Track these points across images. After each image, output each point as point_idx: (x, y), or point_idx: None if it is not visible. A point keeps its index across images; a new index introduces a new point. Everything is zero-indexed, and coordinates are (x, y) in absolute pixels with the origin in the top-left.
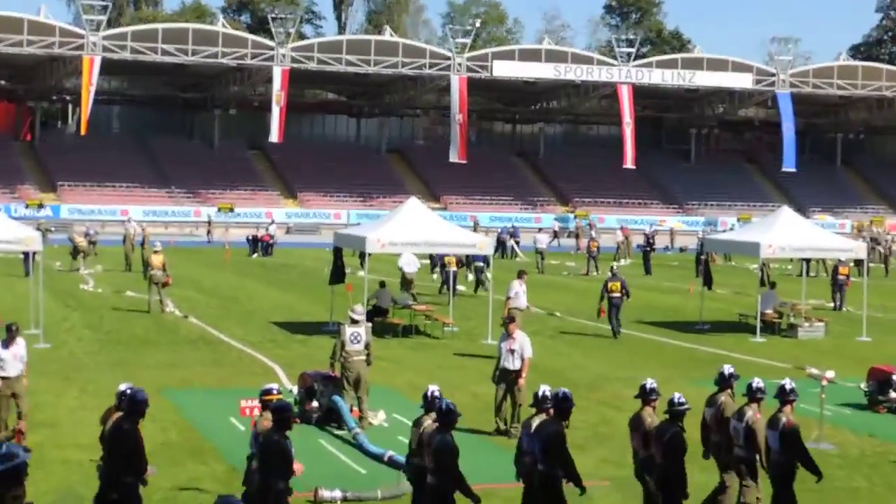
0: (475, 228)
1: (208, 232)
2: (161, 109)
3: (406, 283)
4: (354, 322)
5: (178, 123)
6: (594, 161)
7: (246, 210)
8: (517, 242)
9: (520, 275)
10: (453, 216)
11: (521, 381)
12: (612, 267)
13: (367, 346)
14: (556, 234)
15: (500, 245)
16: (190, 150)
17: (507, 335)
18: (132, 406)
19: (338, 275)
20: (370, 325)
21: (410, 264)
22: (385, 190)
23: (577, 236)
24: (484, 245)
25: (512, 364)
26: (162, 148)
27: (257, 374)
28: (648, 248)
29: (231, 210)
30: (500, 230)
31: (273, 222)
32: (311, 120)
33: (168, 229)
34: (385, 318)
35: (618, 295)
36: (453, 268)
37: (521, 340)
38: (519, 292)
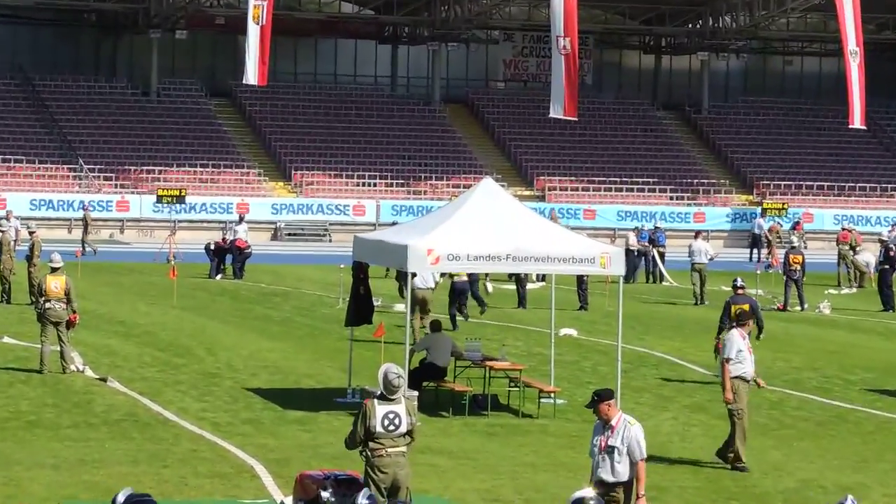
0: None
1: (172, 237)
2: (58, 33)
3: (418, 305)
4: (389, 394)
5: (88, 55)
6: (793, 118)
7: (204, 200)
8: (661, 254)
9: (741, 319)
10: (557, 210)
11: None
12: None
13: (409, 434)
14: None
15: (638, 258)
16: (108, 100)
17: (603, 423)
18: None
19: (360, 309)
20: (416, 395)
21: (425, 277)
22: (439, 166)
23: (767, 245)
24: (610, 260)
25: (610, 473)
26: (60, 96)
27: (226, 477)
28: (889, 267)
29: (179, 199)
30: (638, 234)
31: (241, 220)
32: (315, 49)
33: (74, 233)
34: (442, 383)
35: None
36: (463, 277)
37: (628, 433)
38: (743, 349)
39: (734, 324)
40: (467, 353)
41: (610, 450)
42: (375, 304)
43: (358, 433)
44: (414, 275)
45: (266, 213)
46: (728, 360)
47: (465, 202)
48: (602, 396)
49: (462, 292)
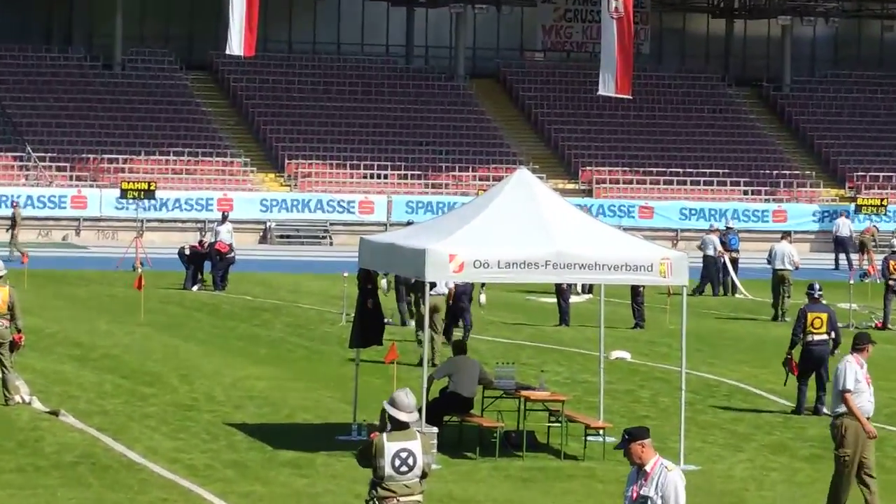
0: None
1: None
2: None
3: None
4: (399, 430)
5: (37, 20)
6: (894, 96)
7: (178, 195)
8: (734, 261)
9: (860, 343)
10: (606, 207)
11: None
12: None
13: (425, 475)
14: (845, 247)
15: (710, 266)
16: (61, 74)
17: (637, 469)
18: None
19: (368, 328)
20: (435, 432)
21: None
22: (464, 154)
23: (861, 250)
24: (671, 267)
25: None
26: (3, 69)
27: None
28: None
29: (147, 194)
30: (705, 235)
31: (225, 219)
32: (313, 13)
33: (18, 231)
34: (467, 418)
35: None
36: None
37: (664, 479)
38: (861, 379)
39: (852, 349)
40: (498, 380)
41: (643, 501)
42: (387, 321)
43: (364, 457)
44: (433, 285)
45: (253, 210)
46: (848, 391)
47: (496, 198)
48: (634, 435)
49: (463, 294)
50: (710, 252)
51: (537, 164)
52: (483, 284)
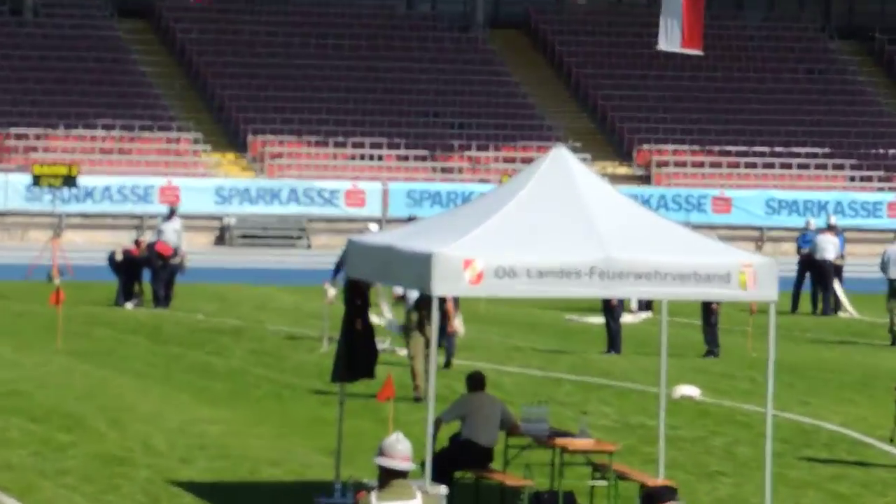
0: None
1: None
2: None
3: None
4: (391, 484)
5: None
6: None
7: (107, 181)
8: (838, 268)
9: None
10: (669, 198)
11: None
12: None
13: None
14: None
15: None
16: None
17: None
18: None
19: (357, 356)
20: (444, 492)
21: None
22: (483, 128)
23: None
24: (754, 277)
25: None
26: None
27: None
28: None
29: (68, 181)
30: (802, 236)
31: (172, 214)
32: None
33: None
34: (485, 473)
35: None
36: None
37: None
38: None
39: None
40: (526, 424)
41: None
42: (381, 347)
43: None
44: (457, 303)
45: (207, 202)
46: None
47: (525, 186)
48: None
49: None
50: (828, 256)
51: (579, 142)
52: (457, 303)
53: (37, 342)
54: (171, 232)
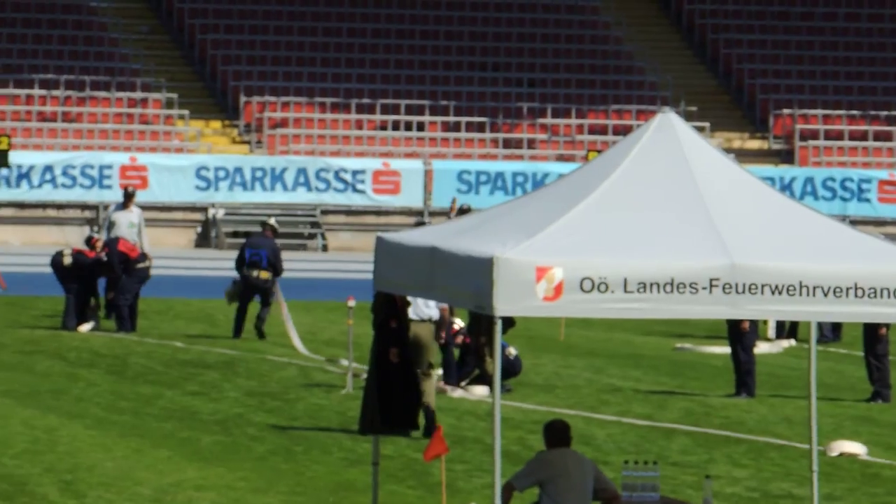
0: None
1: None
2: None
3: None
4: None
5: None
6: None
7: (50, 158)
8: None
9: None
10: (819, 182)
11: None
12: None
13: None
14: None
15: None
16: None
17: None
18: None
19: (393, 399)
20: None
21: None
22: (562, 87)
23: None
24: None
25: None
26: None
27: None
28: None
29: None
30: None
31: (129, 199)
32: None
33: None
34: None
35: None
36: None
37: None
38: None
39: None
40: (629, 494)
41: None
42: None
43: None
44: (509, 320)
45: (186, 187)
46: None
47: (619, 165)
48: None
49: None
50: None
51: (695, 105)
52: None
53: None
54: (127, 226)
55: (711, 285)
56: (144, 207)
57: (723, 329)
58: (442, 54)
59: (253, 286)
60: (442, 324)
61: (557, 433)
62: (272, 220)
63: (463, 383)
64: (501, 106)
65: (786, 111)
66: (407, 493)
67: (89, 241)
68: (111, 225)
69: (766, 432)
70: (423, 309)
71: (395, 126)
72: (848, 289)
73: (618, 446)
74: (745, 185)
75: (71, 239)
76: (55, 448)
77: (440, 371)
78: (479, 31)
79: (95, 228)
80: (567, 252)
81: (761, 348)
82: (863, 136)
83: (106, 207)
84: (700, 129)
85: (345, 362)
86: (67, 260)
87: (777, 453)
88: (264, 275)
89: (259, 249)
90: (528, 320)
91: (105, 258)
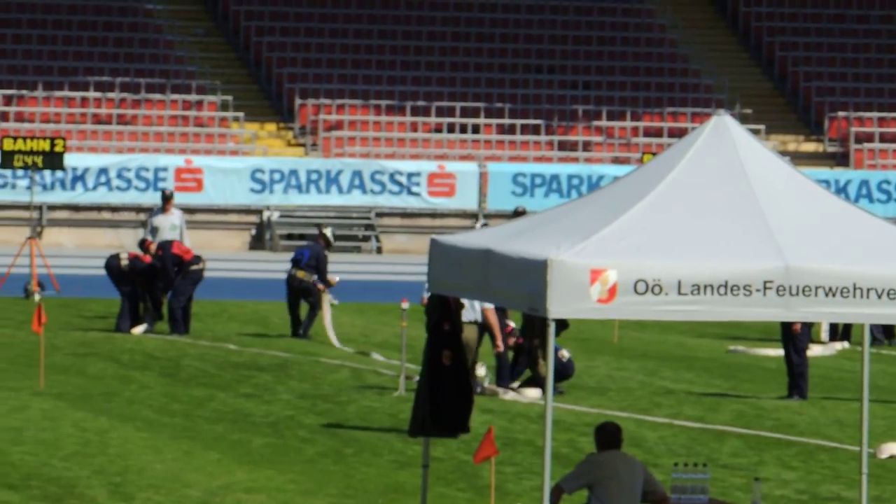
0: None
1: None
2: None
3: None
4: None
5: None
6: None
7: (105, 161)
8: None
9: None
10: (875, 185)
11: None
12: None
13: None
14: None
15: None
16: None
17: None
18: None
19: (445, 401)
20: None
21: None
22: (617, 90)
23: None
24: None
25: None
26: None
27: None
28: None
29: (50, 160)
30: None
31: (168, 200)
32: None
33: None
34: None
35: None
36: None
37: None
38: None
39: None
40: (678, 495)
41: None
42: (479, 386)
43: None
44: (562, 323)
45: (241, 190)
46: None
47: (674, 168)
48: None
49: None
50: None
51: (750, 107)
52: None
53: (10, 381)
54: (169, 229)
55: (765, 287)
56: (199, 210)
57: (776, 331)
58: (497, 56)
59: (289, 285)
60: (487, 327)
61: (608, 435)
62: (328, 231)
63: (514, 385)
64: (556, 108)
65: (841, 114)
66: (456, 495)
67: (143, 245)
68: (154, 230)
69: (817, 434)
70: (471, 312)
71: (451, 128)
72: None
73: (668, 449)
74: (799, 188)
75: (125, 241)
76: (105, 450)
77: (480, 372)
78: (534, 33)
79: (146, 231)
80: (621, 254)
81: (814, 350)
82: None
83: (149, 211)
84: (755, 132)
85: (377, 357)
86: (124, 263)
87: (827, 456)
88: (301, 274)
89: (304, 249)
90: (581, 322)
91: (159, 264)
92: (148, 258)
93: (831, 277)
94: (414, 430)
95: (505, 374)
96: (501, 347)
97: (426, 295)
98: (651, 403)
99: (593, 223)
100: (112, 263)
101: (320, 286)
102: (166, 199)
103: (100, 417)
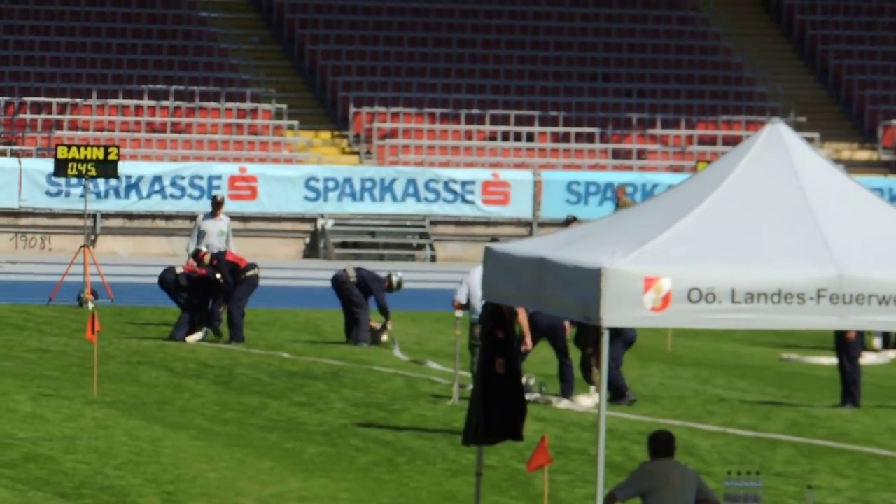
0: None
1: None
2: None
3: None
4: None
5: None
6: None
7: (159, 169)
8: None
9: None
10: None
11: None
12: None
13: None
14: None
15: None
16: None
17: None
18: None
19: (498, 409)
20: None
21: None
22: (671, 97)
23: None
24: None
25: None
26: None
27: None
28: None
29: (104, 168)
30: None
31: (218, 209)
32: None
33: None
34: None
35: None
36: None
37: None
38: None
39: None
40: (730, 503)
41: None
42: (535, 396)
43: None
44: (617, 332)
45: (295, 197)
46: None
47: (728, 176)
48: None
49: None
50: None
51: (804, 115)
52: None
53: (64, 389)
54: (216, 234)
55: (819, 296)
56: (253, 218)
57: (829, 339)
58: (552, 65)
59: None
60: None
61: (661, 444)
62: (395, 277)
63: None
64: (611, 116)
65: (895, 122)
66: (509, 503)
67: (196, 255)
68: (201, 234)
69: (870, 443)
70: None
71: (505, 137)
72: None
73: (722, 457)
74: (853, 196)
75: (179, 249)
76: (159, 459)
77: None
78: (589, 41)
79: (195, 240)
80: (675, 262)
81: (867, 359)
82: None
83: (198, 228)
84: (809, 140)
85: (431, 365)
86: (179, 270)
87: (880, 464)
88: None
89: (366, 278)
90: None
91: (213, 274)
92: (202, 270)
93: (885, 286)
94: (467, 439)
95: (570, 383)
96: (530, 346)
97: (458, 297)
98: (704, 412)
99: (647, 231)
100: (167, 278)
101: (374, 325)
102: (217, 204)
103: (153, 426)
